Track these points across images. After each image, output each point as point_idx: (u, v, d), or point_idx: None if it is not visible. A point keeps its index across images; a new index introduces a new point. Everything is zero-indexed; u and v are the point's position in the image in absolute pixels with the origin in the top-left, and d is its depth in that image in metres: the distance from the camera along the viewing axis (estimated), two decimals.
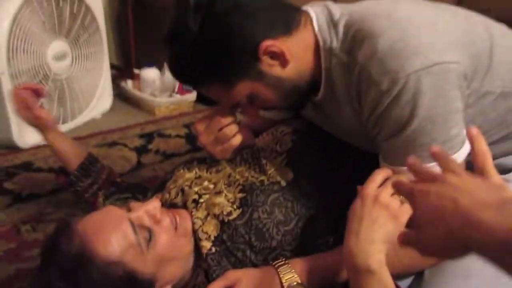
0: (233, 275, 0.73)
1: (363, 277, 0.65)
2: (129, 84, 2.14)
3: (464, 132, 0.72)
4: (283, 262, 0.74)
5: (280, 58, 0.72)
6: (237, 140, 0.84)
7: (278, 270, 0.73)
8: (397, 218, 0.67)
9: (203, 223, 0.77)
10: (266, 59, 0.72)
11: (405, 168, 0.68)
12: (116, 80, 2.15)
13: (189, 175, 0.86)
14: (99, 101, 1.96)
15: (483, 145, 0.51)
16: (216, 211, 0.78)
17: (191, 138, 1.75)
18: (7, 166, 1.49)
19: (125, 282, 0.66)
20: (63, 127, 1.77)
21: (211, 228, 0.77)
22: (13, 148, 1.59)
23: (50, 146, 1.05)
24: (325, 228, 0.79)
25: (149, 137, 1.76)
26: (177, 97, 2.03)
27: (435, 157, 0.53)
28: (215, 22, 0.70)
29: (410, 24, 0.70)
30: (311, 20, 0.76)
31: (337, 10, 0.77)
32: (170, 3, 2.17)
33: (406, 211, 0.67)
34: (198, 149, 1.62)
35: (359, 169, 0.76)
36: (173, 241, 0.72)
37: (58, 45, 1.69)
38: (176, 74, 0.78)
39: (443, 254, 0.49)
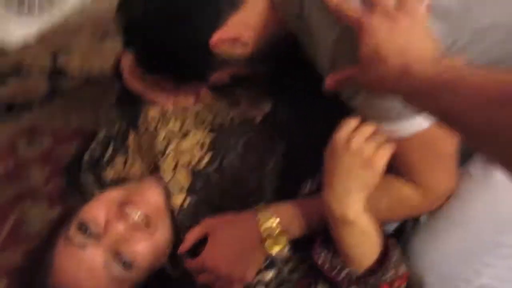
0: (208, 222, 0.71)
1: (341, 228, 0.64)
2: None
3: None
4: (264, 207, 0.69)
5: (237, 43, 0.65)
6: None
7: (258, 217, 0.67)
8: (372, 165, 0.61)
9: (173, 174, 0.74)
10: (223, 49, 0.65)
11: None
12: None
13: (153, 112, 0.78)
14: None
15: None
16: (185, 159, 0.74)
17: None
18: None
19: None
20: None
21: (183, 179, 0.74)
22: None
23: None
24: (304, 170, 0.74)
25: None
26: None
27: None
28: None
29: None
30: None
31: None
32: None
33: (381, 157, 0.61)
34: None
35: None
36: (151, 245, 0.69)
37: None
38: None
39: (378, 88, 0.52)
